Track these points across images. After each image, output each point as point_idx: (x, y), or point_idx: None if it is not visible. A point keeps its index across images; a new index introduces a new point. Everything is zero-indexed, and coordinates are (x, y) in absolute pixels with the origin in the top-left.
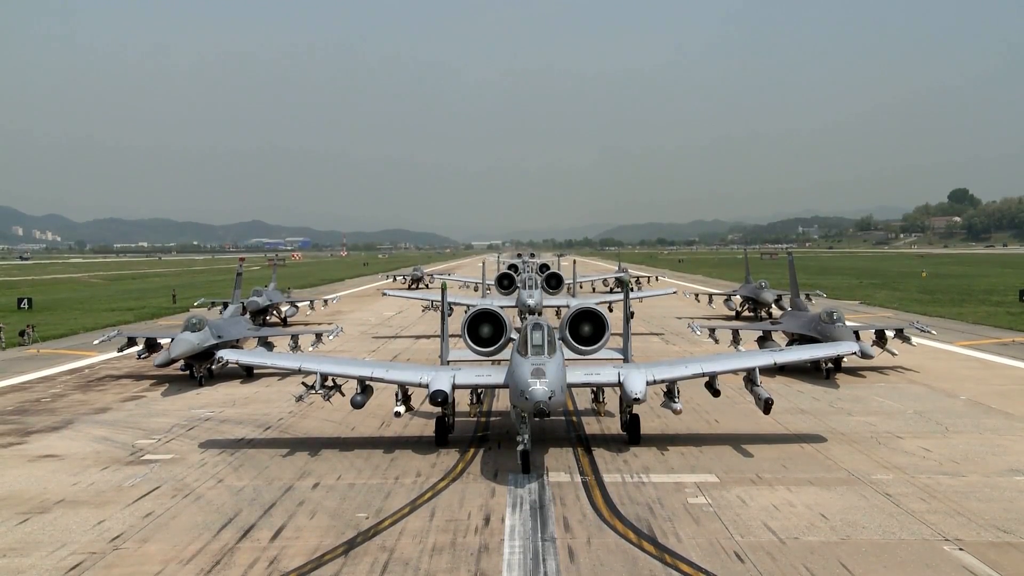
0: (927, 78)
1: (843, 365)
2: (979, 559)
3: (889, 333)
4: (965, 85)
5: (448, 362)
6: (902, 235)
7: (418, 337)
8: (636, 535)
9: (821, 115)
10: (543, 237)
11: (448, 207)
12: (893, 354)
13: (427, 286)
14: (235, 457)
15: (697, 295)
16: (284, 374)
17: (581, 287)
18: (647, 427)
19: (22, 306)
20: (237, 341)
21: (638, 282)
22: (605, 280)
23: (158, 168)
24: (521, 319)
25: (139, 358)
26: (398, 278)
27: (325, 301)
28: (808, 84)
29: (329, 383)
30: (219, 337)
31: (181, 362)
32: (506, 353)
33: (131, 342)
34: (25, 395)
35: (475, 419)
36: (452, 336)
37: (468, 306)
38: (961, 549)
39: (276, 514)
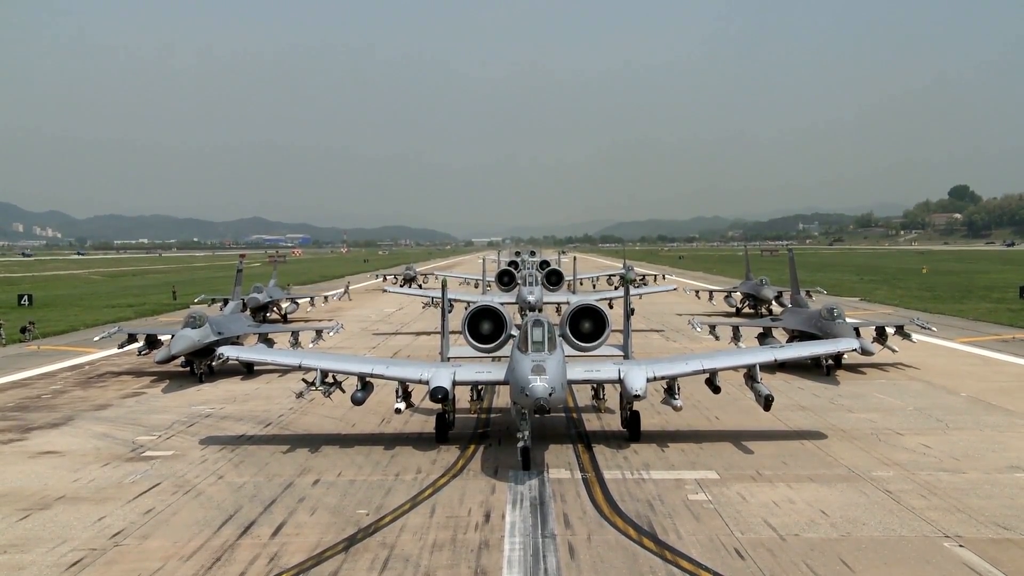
0: (927, 74)
1: (843, 362)
2: (979, 556)
3: (889, 330)
4: (965, 81)
5: (448, 359)
6: (903, 232)
7: (418, 334)
8: (636, 532)
9: (821, 111)
10: (543, 234)
11: (448, 204)
12: (893, 351)
13: (420, 286)
14: (235, 453)
15: (697, 292)
16: (284, 371)
17: (581, 284)
18: (647, 424)
19: (23, 303)
20: (238, 338)
21: (643, 279)
22: (610, 278)
23: (159, 165)
24: (521, 316)
25: (139, 354)
26: (389, 277)
27: (325, 298)
28: (808, 80)
29: (329, 379)
30: (219, 334)
31: (182, 358)
32: (506, 350)
33: (131, 338)
34: (26, 391)
35: (475, 416)
36: (452, 333)
37: (468, 303)
38: (961, 546)
39: (277, 511)
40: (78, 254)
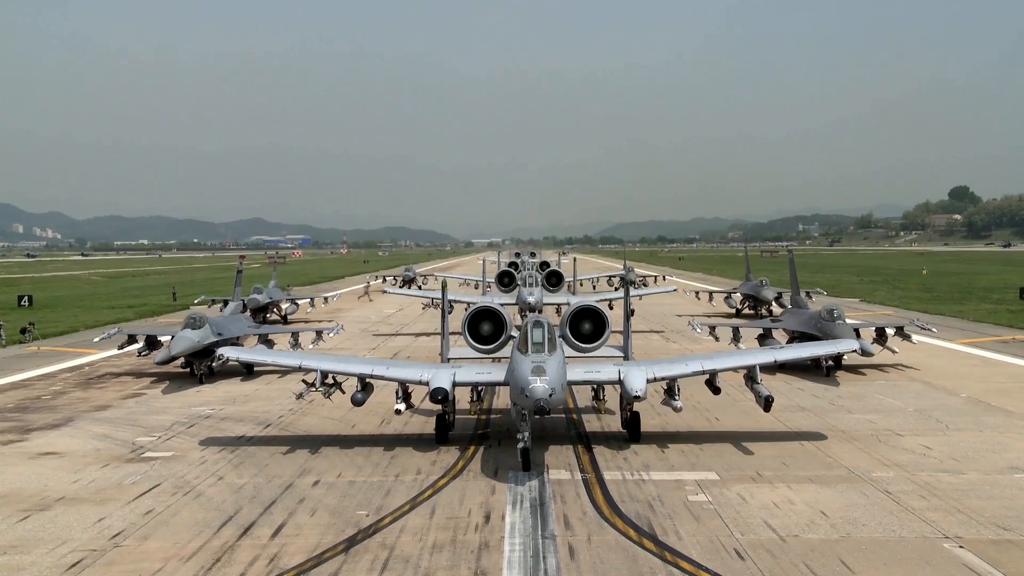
0: (927, 75)
1: (843, 363)
2: (979, 557)
3: (889, 331)
4: (966, 82)
5: (448, 360)
6: (902, 232)
7: (418, 335)
8: (636, 533)
9: (822, 112)
10: (543, 235)
11: (449, 205)
12: (893, 352)
13: (420, 287)
14: (235, 455)
15: (697, 293)
16: (284, 372)
17: (581, 285)
18: (647, 425)
19: (23, 303)
20: (237, 339)
21: (644, 281)
22: (610, 279)
23: (159, 166)
24: (521, 317)
25: (139, 355)
26: (387, 278)
27: (325, 299)
28: (809, 81)
29: (329, 381)
30: (219, 335)
31: (181, 360)
32: (506, 351)
33: (131, 339)
34: (26, 392)
35: (475, 417)
36: (452, 334)
37: (468, 304)
38: (961, 547)
39: (276, 512)
40: (82, 255)
